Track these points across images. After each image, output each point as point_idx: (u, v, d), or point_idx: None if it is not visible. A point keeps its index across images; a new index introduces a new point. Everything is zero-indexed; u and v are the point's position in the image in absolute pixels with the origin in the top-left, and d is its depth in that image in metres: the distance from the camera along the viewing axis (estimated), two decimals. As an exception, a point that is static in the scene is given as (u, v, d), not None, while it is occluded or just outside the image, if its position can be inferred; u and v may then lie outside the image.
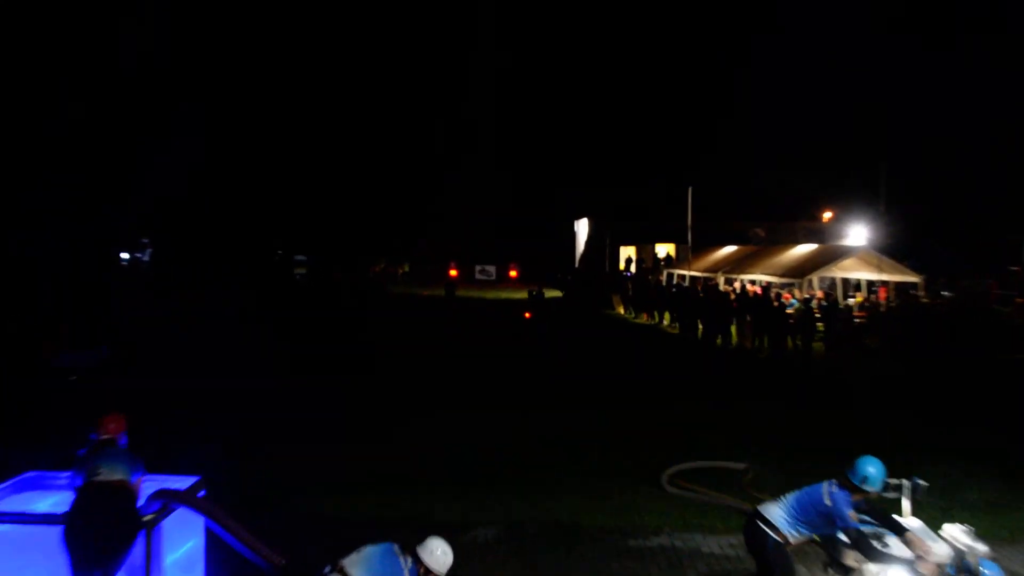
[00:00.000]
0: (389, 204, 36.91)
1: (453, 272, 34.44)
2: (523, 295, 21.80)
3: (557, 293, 25.34)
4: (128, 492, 2.92)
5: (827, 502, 3.25)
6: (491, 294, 27.83)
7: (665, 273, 21.93)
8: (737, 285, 16.65)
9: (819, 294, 14.63)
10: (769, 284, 15.86)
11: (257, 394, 7.73)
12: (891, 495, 3.42)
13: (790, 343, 12.35)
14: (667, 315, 17.00)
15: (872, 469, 3.32)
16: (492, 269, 35.22)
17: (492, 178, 37.18)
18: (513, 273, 34.64)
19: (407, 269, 36.20)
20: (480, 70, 36.29)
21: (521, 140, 37.31)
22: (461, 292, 26.40)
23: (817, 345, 12.51)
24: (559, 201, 34.89)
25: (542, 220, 36.15)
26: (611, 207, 29.14)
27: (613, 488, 4.95)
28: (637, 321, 18.23)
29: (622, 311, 19.82)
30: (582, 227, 32.49)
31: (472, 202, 37.49)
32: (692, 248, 19.37)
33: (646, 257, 27.84)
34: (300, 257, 34.88)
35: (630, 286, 19.89)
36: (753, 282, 16.40)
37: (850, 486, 3.33)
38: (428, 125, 36.24)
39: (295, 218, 32.62)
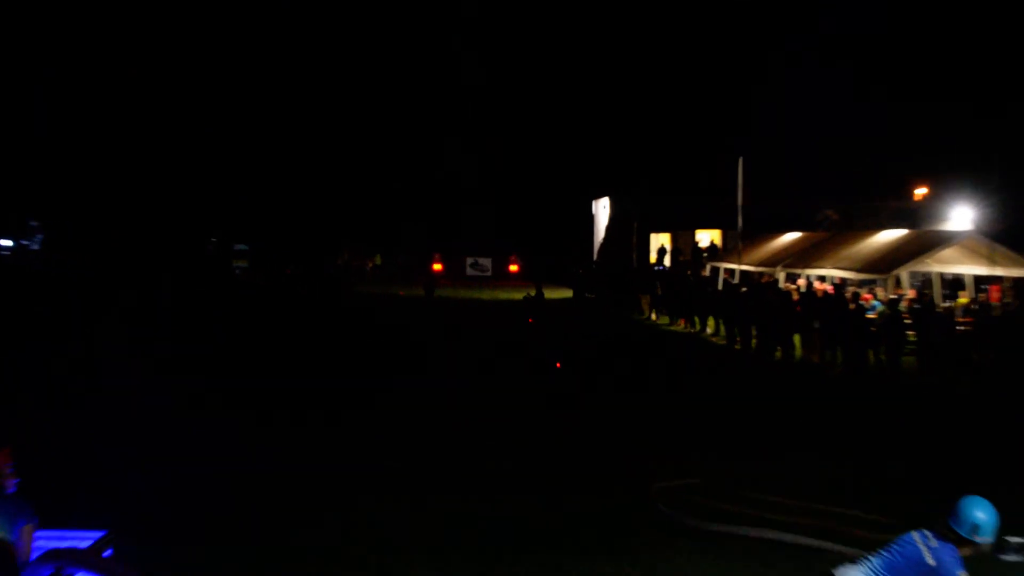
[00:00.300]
0: (356, 180, 37.52)
1: (437, 266, 35.13)
2: (524, 295, 21.96)
3: (567, 293, 25.86)
4: (4, 553, 2.78)
5: (930, 562, 3.02)
6: (486, 294, 28.16)
7: (708, 267, 21.98)
8: (802, 283, 16.47)
9: (910, 294, 14.21)
10: (844, 281, 15.66)
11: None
12: (1012, 558, 3.17)
13: (871, 357, 12.09)
14: (711, 321, 17.11)
15: (982, 514, 3.10)
16: (487, 262, 35.79)
17: (488, 147, 37.56)
18: (513, 267, 35.13)
19: (379, 262, 36.62)
20: (473, 15, 35.50)
21: (525, 99, 36.67)
22: (447, 292, 26.97)
23: (907, 360, 12.12)
24: (573, 176, 35.54)
25: (551, 200, 36.74)
26: (639, 183, 29.99)
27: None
28: (673, 329, 18.42)
29: (653, 316, 20.06)
30: (602, 209, 32.48)
31: (462, 178, 38.20)
32: (743, 235, 19.02)
33: (684, 247, 27.93)
34: (240, 246, 35.09)
35: (660, 284, 20.19)
36: (823, 279, 16.16)
37: (955, 538, 3.10)
38: (408, 80, 37.01)
39: (234, 197, 33.50)
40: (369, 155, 36.73)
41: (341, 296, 25.44)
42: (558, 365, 12.83)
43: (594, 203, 33.59)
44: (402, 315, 19.88)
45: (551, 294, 24.52)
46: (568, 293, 25.93)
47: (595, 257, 31.55)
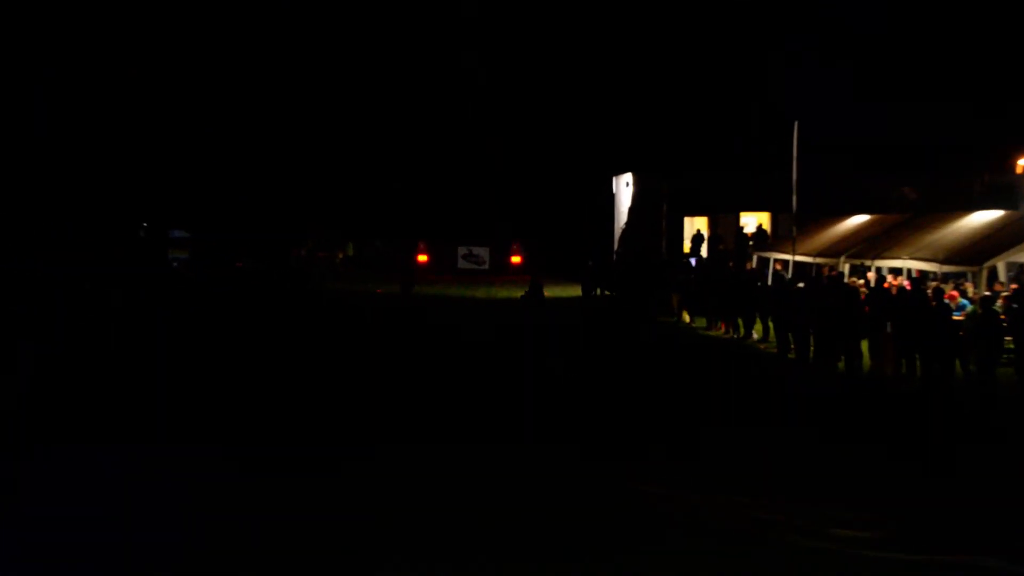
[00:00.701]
0: (323, 154, 38.17)
1: (422, 257, 35.44)
2: (522, 294, 21.82)
3: (578, 290, 26.25)
4: None
5: None
6: (481, 291, 28.69)
7: (755, 258, 22.07)
8: (871, 276, 16.39)
9: (1012, 287, 13.81)
10: (924, 275, 15.42)
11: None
12: None
13: (959, 368, 11.88)
14: (758, 324, 17.04)
15: None
16: (483, 252, 36.44)
17: (486, 116, 38.31)
18: (515, 258, 35.68)
19: (351, 253, 36.99)
20: None
21: (530, 58, 36.85)
22: (434, 290, 28.01)
23: (1004, 372, 11.85)
24: (587, 148, 35.76)
25: (562, 178, 37.12)
26: (670, 156, 30.28)
27: None
28: (711, 334, 18.39)
29: (686, 318, 20.12)
30: (624, 187, 32.48)
31: (455, 153, 38.72)
32: (798, 219, 19.09)
33: (725, 233, 27.86)
34: (179, 234, 35.23)
35: (695, 279, 20.34)
36: (897, 272, 16.12)
37: None
38: (391, 38, 37.72)
39: (173, 175, 33.93)
40: (344, 129, 38.03)
41: (304, 296, 25.74)
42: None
43: (615, 180, 33.60)
44: (370, 322, 19.81)
45: (557, 292, 25.34)
46: (579, 291, 26.30)
47: (616, 246, 31.79)
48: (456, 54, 35.55)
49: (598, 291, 25.57)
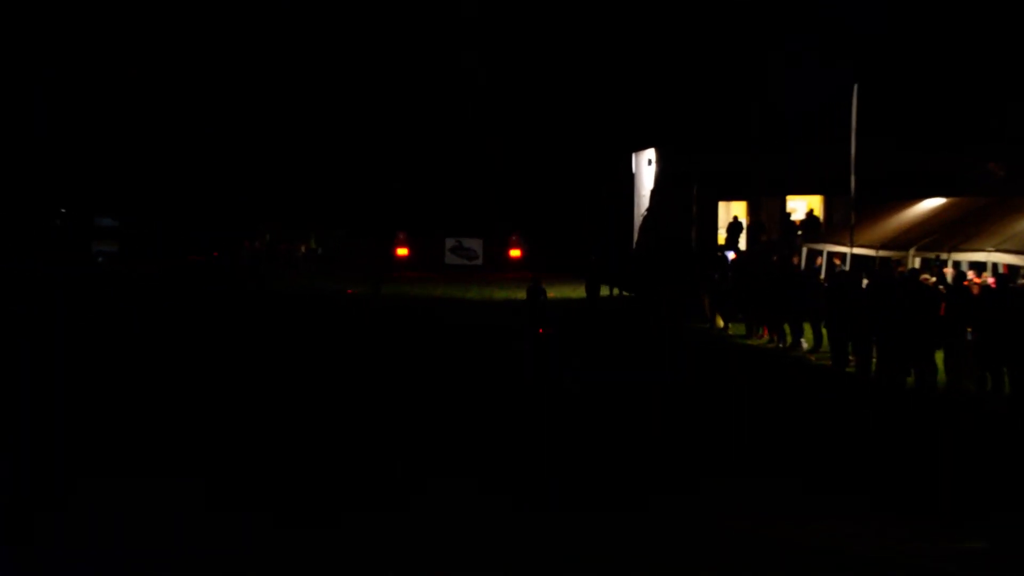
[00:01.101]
0: (285, 131, 40.11)
1: (401, 250, 35.95)
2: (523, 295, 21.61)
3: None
4: None
5: None
6: (473, 292, 29.19)
7: (804, 251, 22.10)
8: (948, 272, 16.24)
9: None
10: (1013, 270, 15.36)
11: None
12: None
13: None
14: (808, 331, 17.14)
15: None
16: (476, 245, 37.26)
17: (481, 97, 39.50)
18: (515, 252, 36.38)
19: (314, 246, 37.36)
20: None
21: (531, 35, 38.34)
22: (418, 289, 28.70)
23: None
24: (600, 120, 36.51)
25: (570, 157, 37.66)
26: (699, 128, 31.09)
27: None
28: (752, 343, 18.56)
29: (720, 323, 20.37)
30: (646, 165, 32.63)
31: (444, 129, 39.73)
32: (857, 203, 18.92)
33: (768, 220, 28.23)
34: (106, 221, 35.37)
35: (732, 276, 20.41)
36: (980, 267, 16.07)
37: None
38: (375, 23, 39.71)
39: (97, 150, 36.38)
40: (313, 103, 39.38)
41: (248, 299, 25.76)
42: (541, 331, 13.30)
43: (634, 157, 33.79)
44: (324, 334, 19.53)
45: (565, 292, 25.74)
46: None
47: (637, 236, 31.97)
48: (452, 40, 38.56)
49: (608, 291, 25.88)
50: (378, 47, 38.59)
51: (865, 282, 16.10)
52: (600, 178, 36.13)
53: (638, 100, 35.94)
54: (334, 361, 16.05)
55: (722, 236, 28.60)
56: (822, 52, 28.52)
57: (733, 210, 29.07)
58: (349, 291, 27.42)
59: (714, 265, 22.67)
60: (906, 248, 18.30)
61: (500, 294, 28.04)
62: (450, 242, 37.11)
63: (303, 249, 36.57)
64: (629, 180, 33.67)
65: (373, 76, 38.89)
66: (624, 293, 26.00)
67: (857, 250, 19.21)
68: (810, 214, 26.51)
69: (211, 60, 37.30)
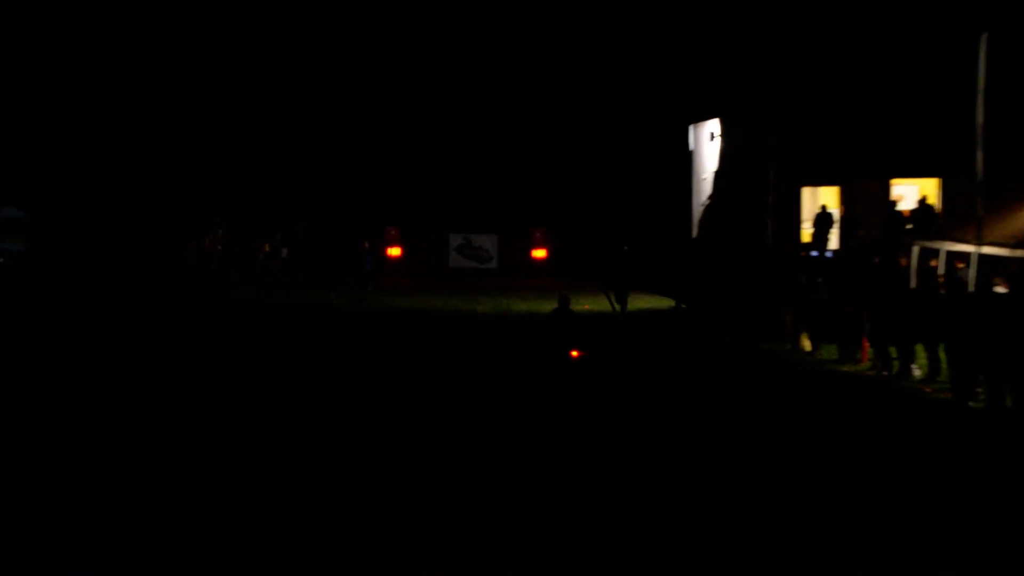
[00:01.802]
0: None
1: (393, 250, 36.69)
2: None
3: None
4: None
5: None
6: (486, 304, 29.39)
7: (916, 250, 22.17)
8: None
9: None
10: None
11: None
12: None
13: None
14: (921, 354, 17.41)
15: None
16: (489, 243, 37.83)
17: (482, 88, 42.24)
18: (539, 252, 37.07)
19: (280, 244, 38.37)
20: None
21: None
22: (414, 300, 29.37)
23: None
24: (645, 85, 38.05)
25: (608, 132, 39.20)
26: (775, 92, 30.45)
27: None
28: (847, 370, 18.70)
29: (807, 346, 20.57)
30: (707, 142, 32.80)
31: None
32: (985, 189, 19.05)
33: (867, 212, 27.69)
34: (12, 212, 36.19)
35: (821, 285, 20.45)
36: None
37: None
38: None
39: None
40: (278, 73, 42.56)
41: (189, 313, 25.92)
42: (575, 354, 14.62)
43: (691, 131, 34.08)
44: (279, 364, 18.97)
45: (595, 303, 26.38)
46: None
47: (698, 228, 32.21)
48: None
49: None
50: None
51: (997, 290, 16.24)
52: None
53: (692, 61, 37.59)
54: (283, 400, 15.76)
55: (807, 232, 28.49)
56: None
57: (822, 198, 28.83)
58: (335, 300, 28.29)
59: (798, 269, 22.84)
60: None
61: (519, 306, 28.22)
62: (455, 239, 37.63)
63: (266, 248, 37.18)
64: (684, 163, 34.10)
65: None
66: (682, 306, 26.28)
67: (986, 249, 19.25)
68: (923, 203, 26.16)
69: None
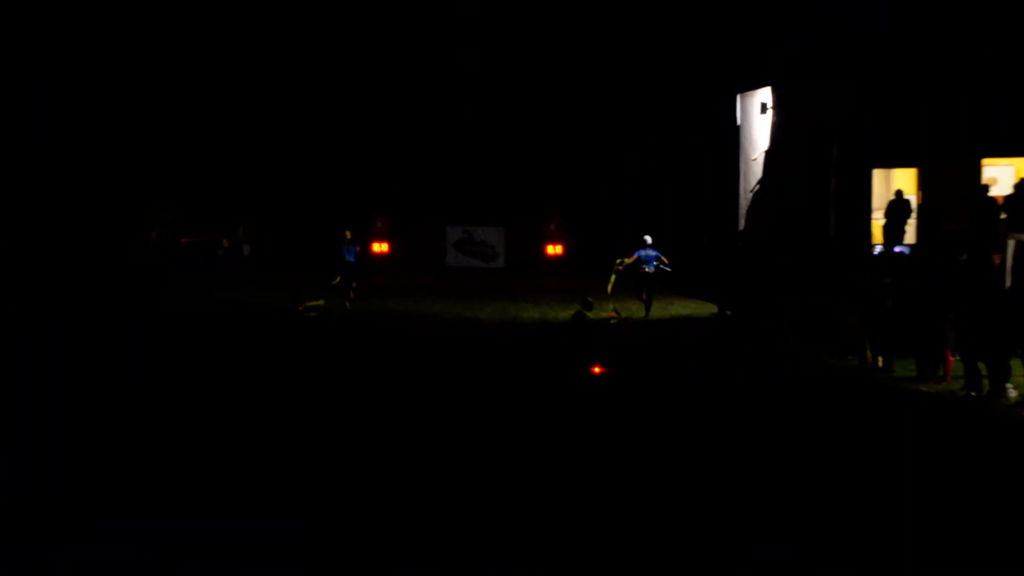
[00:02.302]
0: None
1: (380, 246, 37.87)
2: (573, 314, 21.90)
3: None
4: None
5: None
6: (489, 310, 29.77)
7: (1011, 245, 22.63)
8: None
9: None
10: None
11: None
12: None
13: None
14: (1019, 370, 17.75)
15: None
16: (494, 237, 38.95)
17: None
18: (554, 248, 38.12)
19: (242, 239, 39.33)
20: None
21: None
22: (406, 304, 30.13)
23: None
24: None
25: (633, 107, 41.00)
26: (836, 56, 30.67)
27: None
28: (928, 390, 18.65)
29: (879, 362, 20.63)
30: (758, 116, 32.88)
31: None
32: None
33: (949, 199, 27.47)
34: None
35: (893, 287, 20.63)
36: None
37: None
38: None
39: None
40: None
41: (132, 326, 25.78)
42: (597, 370, 15.51)
43: (739, 101, 34.18)
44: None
45: (612, 311, 26.86)
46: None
47: (744, 220, 32.35)
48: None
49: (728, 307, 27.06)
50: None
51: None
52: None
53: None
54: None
55: (879, 223, 28.23)
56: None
57: (896, 181, 28.58)
58: (309, 307, 28.59)
59: (867, 268, 22.75)
60: None
61: (529, 312, 28.31)
62: (454, 233, 38.29)
63: (225, 245, 37.73)
64: (730, 137, 34.12)
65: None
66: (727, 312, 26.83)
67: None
68: (1021, 187, 25.90)
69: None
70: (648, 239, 28.85)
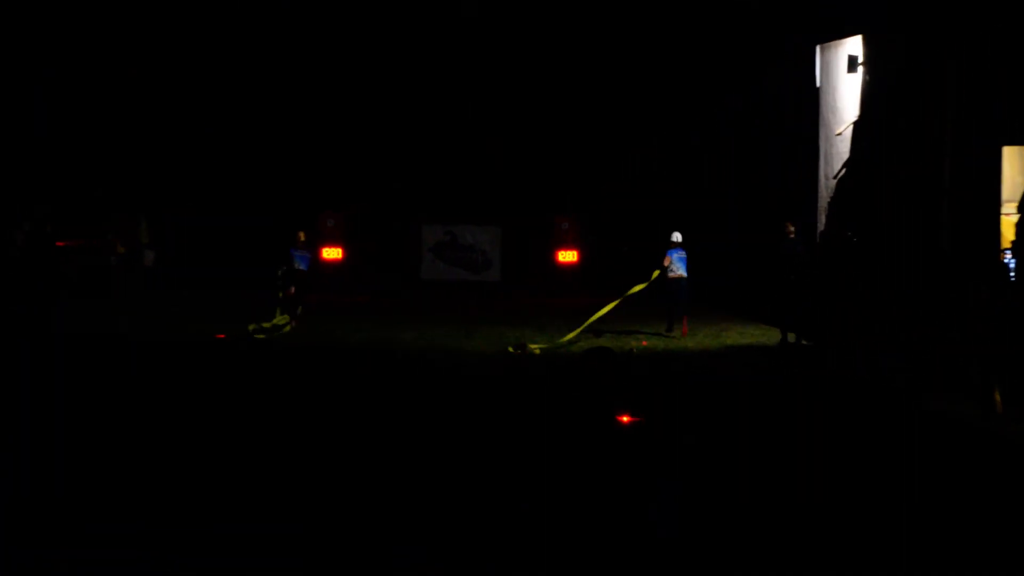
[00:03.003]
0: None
1: (331, 252, 39.07)
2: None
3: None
4: None
5: None
6: (478, 337, 29.86)
7: None
8: None
9: None
10: None
11: None
12: None
13: None
14: None
15: None
16: (486, 239, 39.84)
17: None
18: (567, 255, 39.10)
19: (144, 244, 39.86)
20: None
21: None
22: (360, 329, 30.54)
23: None
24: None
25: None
26: None
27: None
28: None
29: (997, 399, 20.72)
30: (844, 77, 32.87)
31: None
32: None
33: None
34: None
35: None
36: None
37: None
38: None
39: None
40: None
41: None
42: (626, 420, 16.82)
43: (818, 54, 34.18)
44: None
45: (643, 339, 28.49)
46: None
47: (822, 219, 32.48)
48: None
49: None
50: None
51: None
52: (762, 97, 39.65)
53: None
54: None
55: (1011, 218, 27.23)
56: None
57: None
58: (221, 335, 28.93)
59: (989, 281, 23.09)
60: None
61: (536, 343, 27.71)
62: (433, 233, 38.96)
63: (120, 250, 38.01)
64: (805, 107, 34.04)
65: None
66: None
67: None
68: None
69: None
70: (678, 236, 29.74)
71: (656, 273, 29.33)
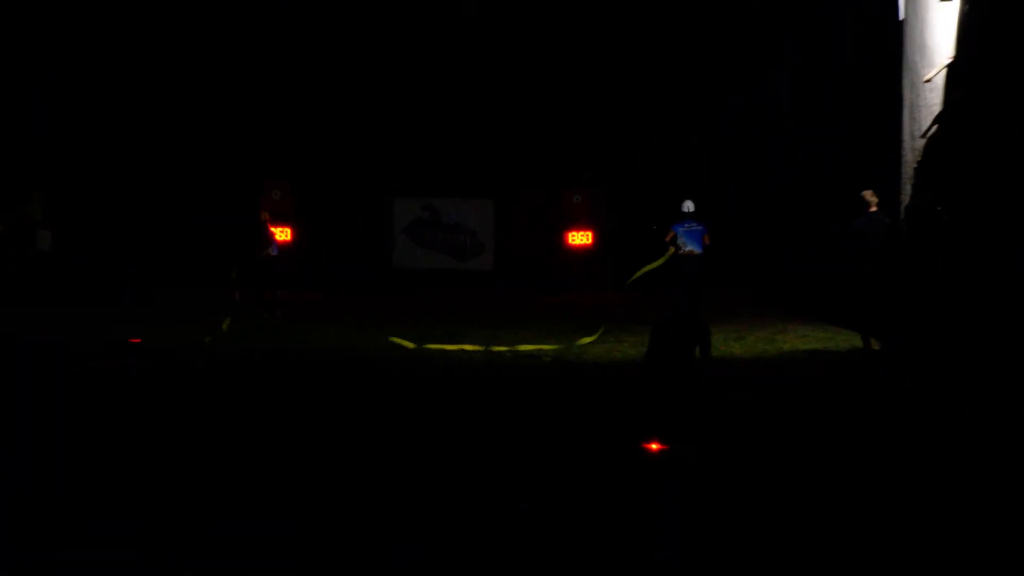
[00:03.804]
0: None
1: (280, 232, 38.87)
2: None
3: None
4: None
5: None
6: (464, 341, 30.37)
7: None
8: None
9: None
10: None
11: None
12: None
13: None
14: None
15: None
16: (477, 217, 41.99)
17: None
18: (580, 236, 41.03)
19: (35, 224, 41.18)
20: None
21: None
22: (325, 334, 31.24)
23: None
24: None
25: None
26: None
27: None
28: None
29: None
30: (929, 4, 32.87)
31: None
32: None
33: None
34: None
35: None
36: None
37: None
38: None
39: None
40: None
41: None
42: (654, 448, 18.00)
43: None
44: None
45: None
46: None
47: (907, 188, 32.59)
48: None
49: None
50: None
51: None
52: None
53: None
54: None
55: None
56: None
57: None
58: (135, 339, 29.24)
59: None
60: None
61: (535, 346, 28.11)
62: (407, 209, 40.41)
63: (1, 231, 38.98)
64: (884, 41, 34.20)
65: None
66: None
67: None
68: None
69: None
70: (689, 206, 30.95)
71: (671, 251, 30.10)
